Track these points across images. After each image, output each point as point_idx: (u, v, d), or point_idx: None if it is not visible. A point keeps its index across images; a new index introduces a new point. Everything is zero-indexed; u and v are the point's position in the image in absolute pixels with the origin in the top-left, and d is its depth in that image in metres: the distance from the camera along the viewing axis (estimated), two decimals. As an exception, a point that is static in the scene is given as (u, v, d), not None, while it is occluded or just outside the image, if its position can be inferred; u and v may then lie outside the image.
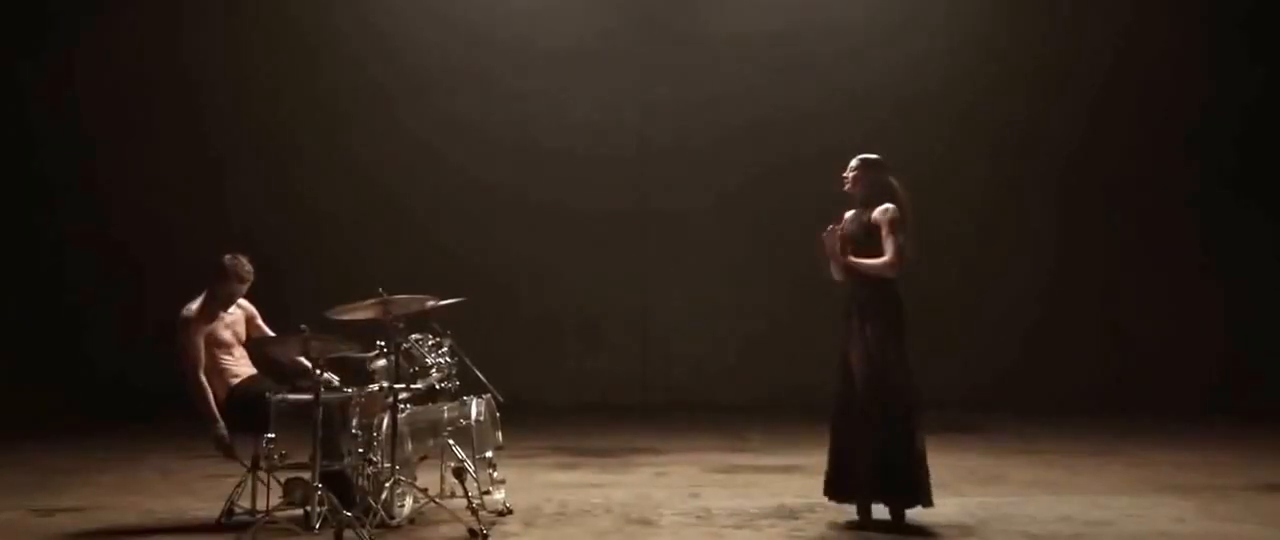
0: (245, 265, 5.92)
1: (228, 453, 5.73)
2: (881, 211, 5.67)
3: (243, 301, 6.04)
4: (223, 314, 5.91)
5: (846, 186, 5.87)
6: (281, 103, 12.52)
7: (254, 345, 5.83)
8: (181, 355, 5.75)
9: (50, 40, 12.21)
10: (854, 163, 5.88)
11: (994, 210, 12.58)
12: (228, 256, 5.91)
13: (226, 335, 5.89)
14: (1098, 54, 12.58)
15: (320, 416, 5.15)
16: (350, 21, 12.62)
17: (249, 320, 6.07)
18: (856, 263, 5.65)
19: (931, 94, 12.47)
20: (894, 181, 5.78)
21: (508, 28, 12.60)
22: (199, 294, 5.91)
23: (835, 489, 5.71)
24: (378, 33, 12.56)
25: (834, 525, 5.67)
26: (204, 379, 5.73)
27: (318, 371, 5.25)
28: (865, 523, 5.59)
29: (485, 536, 5.32)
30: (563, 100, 12.66)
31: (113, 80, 12.30)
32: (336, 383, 5.79)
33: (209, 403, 5.71)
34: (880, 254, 5.64)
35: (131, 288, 12.03)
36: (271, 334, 5.99)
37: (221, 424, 5.69)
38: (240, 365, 5.93)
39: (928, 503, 5.53)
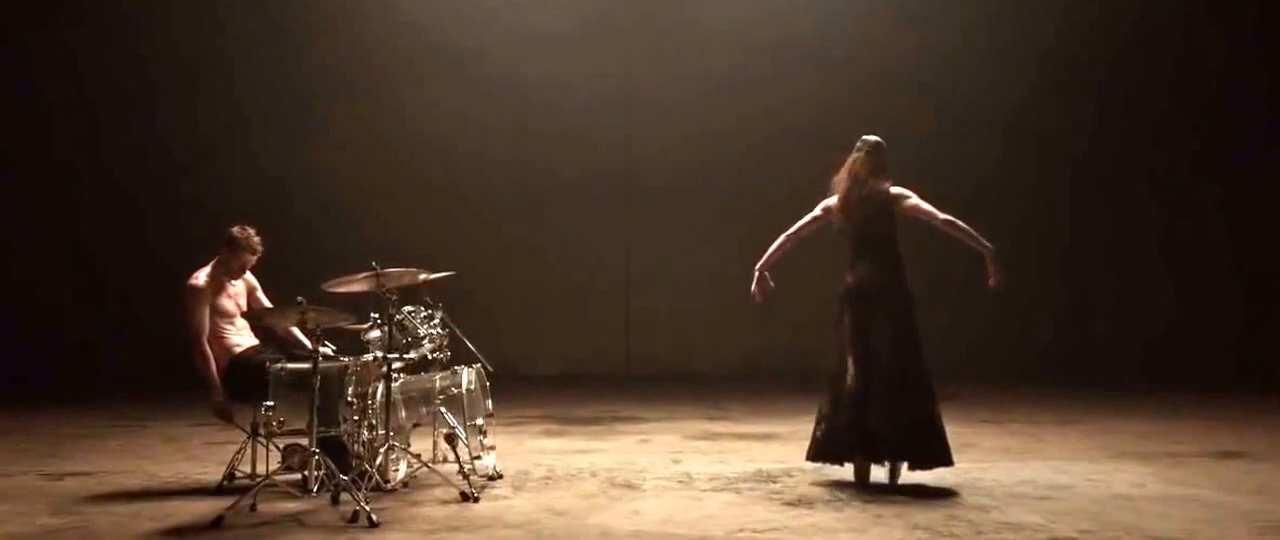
0: (254, 237, 6.05)
1: (226, 419, 5.84)
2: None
3: (246, 274, 6.17)
4: (229, 285, 6.03)
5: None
6: (276, 82, 12.63)
7: (253, 316, 5.92)
8: (188, 323, 5.86)
9: (57, 17, 12.34)
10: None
11: (970, 191, 12.77)
12: (237, 228, 6.03)
13: (230, 305, 5.99)
14: (1067, 36, 12.77)
15: (318, 385, 5.29)
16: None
17: (251, 291, 6.18)
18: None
19: (908, 78, 12.64)
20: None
21: (499, 10, 12.72)
22: (205, 265, 6.01)
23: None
24: (371, 14, 12.66)
25: (810, 487, 5.88)
26: (207, 347, 5.85)
27: (315, 342, 5.40)
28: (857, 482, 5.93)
29: (476, 499, 5.46)
30: (550, 81, 12.79)
31: (114, 57, 12.43)
32: (334, 352, 5.95)
33: (211, 370, 5.82)
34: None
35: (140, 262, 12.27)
36: (269, 305, 6.10)
37: (221, 391, 5.80)
38: (242, 335, 6.05)
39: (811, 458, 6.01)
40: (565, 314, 12.95)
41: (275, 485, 5.36)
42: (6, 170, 12.48)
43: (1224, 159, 12.51)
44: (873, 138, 6.08)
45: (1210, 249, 12.63)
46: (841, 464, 6.02)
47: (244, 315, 6.06)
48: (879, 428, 5.78)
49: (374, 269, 5.61)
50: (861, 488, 5.84)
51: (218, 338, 5.93)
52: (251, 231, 6.07)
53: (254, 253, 6.07)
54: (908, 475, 5.92)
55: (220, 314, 5.96)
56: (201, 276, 5.97)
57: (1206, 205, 12.67)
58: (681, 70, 12.85)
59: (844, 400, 5.90)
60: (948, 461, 5.88)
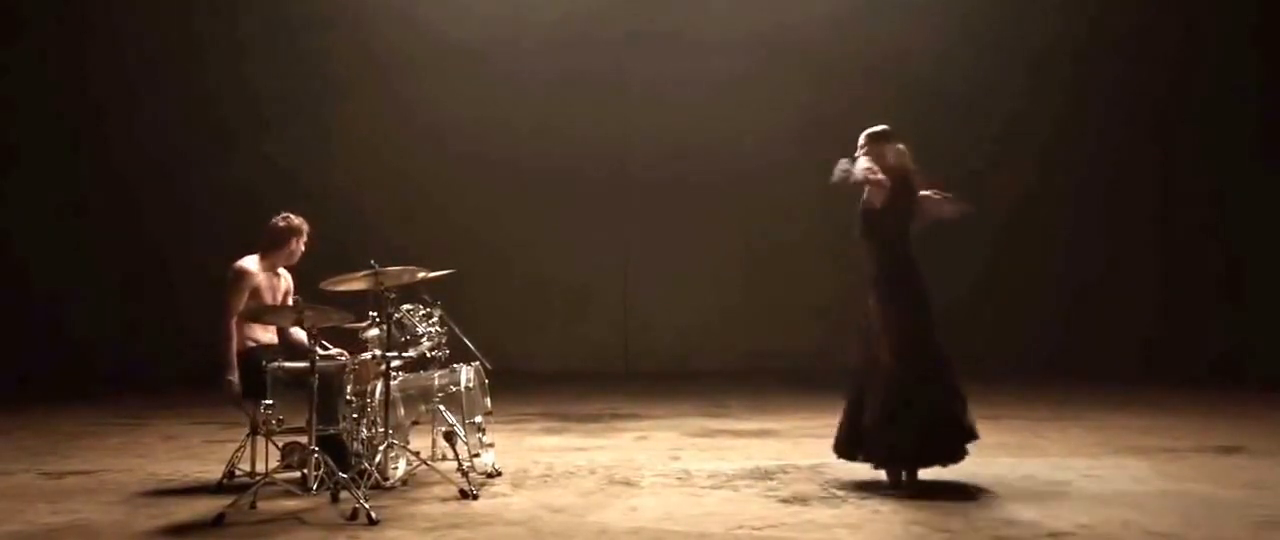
0: (305, 224, 6.06)
1: (236, 402, 5.82)
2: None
3: (284, 271, 6.16)
4: (276, 278, 6.03)
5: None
6: (275, 83, 12.68)
7: (249, 314, 5.80)
8: (224, 303, 5.83)
9: (62, 13, 12.37)
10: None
11: (967, 190, 12.80)
12: (281, 217, 6.03)
13: (268, 298, 5.96)
14: (1067, 35, 12.77)
15: (317, 384, 5.29)
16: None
17: (287, 292, 6.14)
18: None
19: (906, 76, 12.64)
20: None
21: (498, 7, 12.74)
22: (252, 253, 6.01)
23: None
24: (370, 12, 12.68)
25: (807, 484, 5.89)
26: (233, 328, 5.81)
27: (313, 340, 5.40)
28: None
29: (475, 497, 5.47)
30: (548, 79, 12.82)
31: (117, 54, 12.49)
32: (334, 353, 5.95)
33: (231, 351, 5.78)
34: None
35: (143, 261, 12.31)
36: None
37: (236, 373, 5.77)
38: (262, 332, 6.01)
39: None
40: (564, 311, 12.98)
41: (275, 483, 5.37)
42: (8, 167, 12.50)
43: (1222, 156, 12.52)
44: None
45: (1208, 246, 12.63)
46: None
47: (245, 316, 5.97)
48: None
49: (373, 267, 5.62)
50: (861, 485, 5.84)
51: (239, 327, 5.88)
52: (297, 218, 6.08)
53: (304, 236, 6.06)
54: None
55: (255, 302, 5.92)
56: (253, 263, 5.97)
57: (1205, 202, 12.67)
58: (679, 68, 12.86)
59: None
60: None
